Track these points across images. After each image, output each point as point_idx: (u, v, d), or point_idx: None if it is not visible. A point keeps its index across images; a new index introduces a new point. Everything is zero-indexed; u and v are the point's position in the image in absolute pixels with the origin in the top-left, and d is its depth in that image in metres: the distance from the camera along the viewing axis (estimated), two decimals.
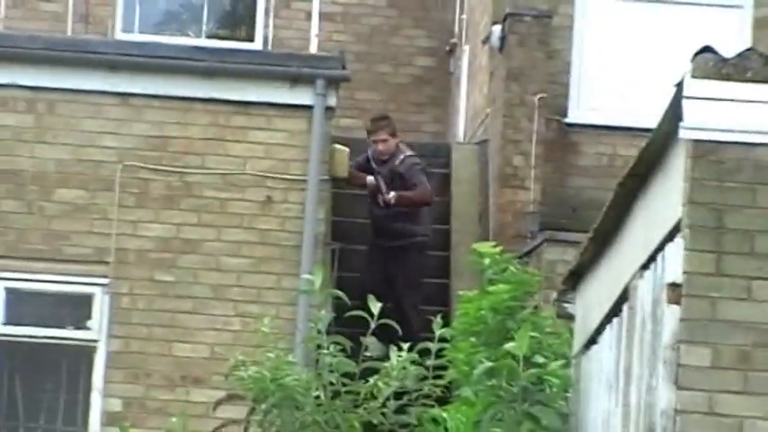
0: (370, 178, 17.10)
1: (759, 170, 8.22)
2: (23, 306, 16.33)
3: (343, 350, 12.14)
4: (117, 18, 22.11)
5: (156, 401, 15.94)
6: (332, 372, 12.08)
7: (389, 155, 17.06)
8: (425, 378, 12.37)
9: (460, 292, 13.76)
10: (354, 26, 22.53)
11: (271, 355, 12.45)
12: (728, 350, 8.31)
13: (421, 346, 12.43)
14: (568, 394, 12.09)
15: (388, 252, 16.93)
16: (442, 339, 12.68)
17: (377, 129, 17.19)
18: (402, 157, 17.11)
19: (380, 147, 17.22)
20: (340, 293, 13.14)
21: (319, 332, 12.62)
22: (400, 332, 12.80)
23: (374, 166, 17.31)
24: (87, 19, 21.79)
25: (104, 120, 16.52)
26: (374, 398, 12.05)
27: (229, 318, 16.17)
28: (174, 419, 14.01)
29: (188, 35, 22.11)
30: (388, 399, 12.11)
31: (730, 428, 8.32)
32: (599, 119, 17.27)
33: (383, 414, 12.08)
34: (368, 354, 12.34)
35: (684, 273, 8.17)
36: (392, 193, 16.75)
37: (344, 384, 12.12)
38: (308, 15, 21.26)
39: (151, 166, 16.23)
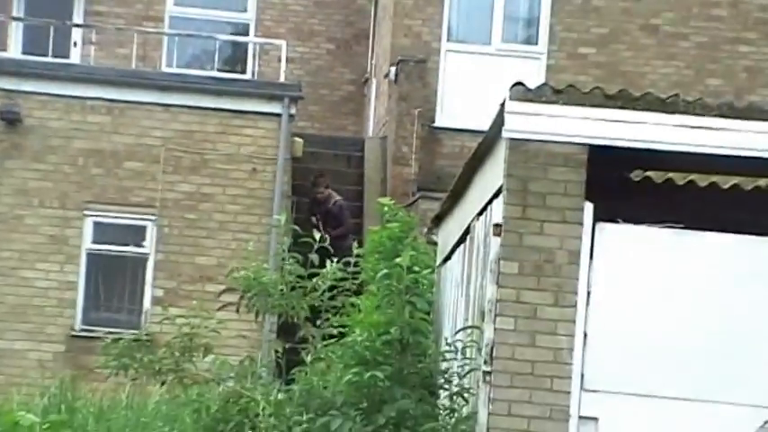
0: (312, 219, 18.54)
1: (549, 156, 10.29)
2: (104, 232, 19.26)
3: (298, 261, 13.46)
4: (163, 58, 24.85)
5: (184, 291, 18.79)
6: (291, 274, 13.41)
7: (325, 200, 19.45)
8: (346, 279, 13.58)
9: (370, 228, 16.52)
10: (307, 66, 24.86)
11: (253, 264, 14.02)
12: (528, 264, 10.36)
13: (345, 259, 13.92)
14: (433, 290, 14.19)
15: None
16: (358, 256, 14.65)
17: (318, 184, 19.33)
18: (333, 200, 19.57)
19: (319, 196, 19.76)
20: (296, 227, 15.11)
21: (283, 251, 14.23)
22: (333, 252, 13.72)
23: (315, 207, 19.42)
24: (144, 58, 24.07)
25: (154, 120, 19.77)
26: (315, 290, 13.30)
27: (229, 241, 18.94)
28: (194, 302, 15.42)
29: (206, 68, 24.66)
30: (324, 291, 13.32)
31: (529, 311, 10.28)
32: (454, 124, 19.41)
33: (321, 300, 13.31)
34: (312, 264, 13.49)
35: (503, 217, 10.31)
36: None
37: (298, 282, 13.38)
38: (279, 58, 22.67)
39: (182, 149, 19.33)
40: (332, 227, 17.96)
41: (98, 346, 16.18)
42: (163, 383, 13.11)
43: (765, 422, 4.25)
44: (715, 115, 10.63)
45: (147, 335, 13.77)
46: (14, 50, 24.32)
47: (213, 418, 11.64)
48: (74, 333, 18.80)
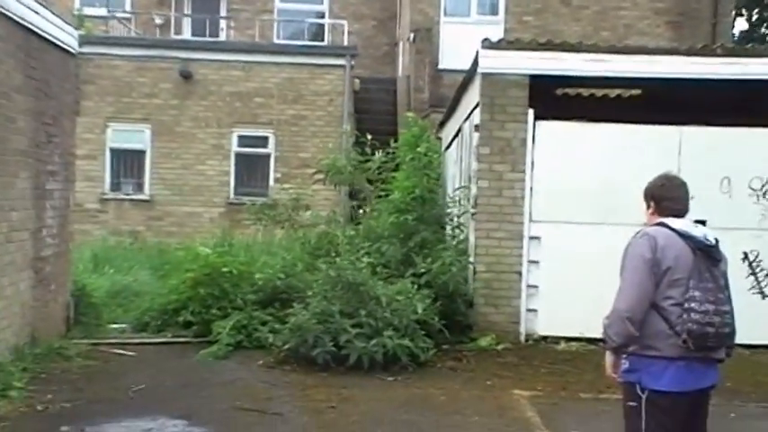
0: None
1: (506, 82, 10.42)
2: (244, 141, 18.43)
3: (358, 152, 13.47)
4: (274, 34, 23.63)
5: (292, 174, 17.96)
6: (354, 160, 13.38)
7: None
8: (387, 162, 13.07)
9: (401, 131, 15.23)
10: (360, 35, 23.00)
11: (332, 156, 14.10)
12: (496, 147, 10.45)
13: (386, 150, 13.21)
14: (440, 166, 13.76)
15: None
16: (395, 147, 13.39)
17: None
18: None
19: None
20: (357, 132, 14.85)
21: (349, 147, 14.96)
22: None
23: None
24: (263, 35, 23.05)
25: (270, 72, 18.58)
26: (369, 170, 13.12)
27: (318, 142, 18.04)
28: (298, 180, 17.09)
29: (300, 39, 23.37)
30: (374, 170, 13.08)
31: (497, 176, 10.42)
32: (450, 66, 17.72)
33: (373, 175, 13.06)
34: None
35: (480, 120, 10.50)
36: None
37: (359, 164, 13.24)
38: (343, 32, 22.30)
39: (287, 89, 18.41)
40: None
41: (244, 208, 16.33)
42: (282, 228, 13.05)
43: None
44: (604, 52, 10.76)
45: (271, 200, 13.70)
46: (186, 33, 23.92)
47: (312, 247, 11.62)
48: (229, 201, 18.37)
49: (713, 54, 10.69)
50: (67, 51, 9.93)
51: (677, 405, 4.36)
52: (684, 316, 4.27)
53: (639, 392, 4.38)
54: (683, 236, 4.40)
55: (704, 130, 10.23)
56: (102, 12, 22.12)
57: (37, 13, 8.72)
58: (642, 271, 4.33)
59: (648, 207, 4.65)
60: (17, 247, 8.45)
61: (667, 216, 4.52)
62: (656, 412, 4.35)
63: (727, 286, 4.46)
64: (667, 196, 4.57)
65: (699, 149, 10.12)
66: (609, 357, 4.51)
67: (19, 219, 8.46)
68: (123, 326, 11.03)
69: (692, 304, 4.27)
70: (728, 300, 4.42)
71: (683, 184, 4.66)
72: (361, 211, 12.96)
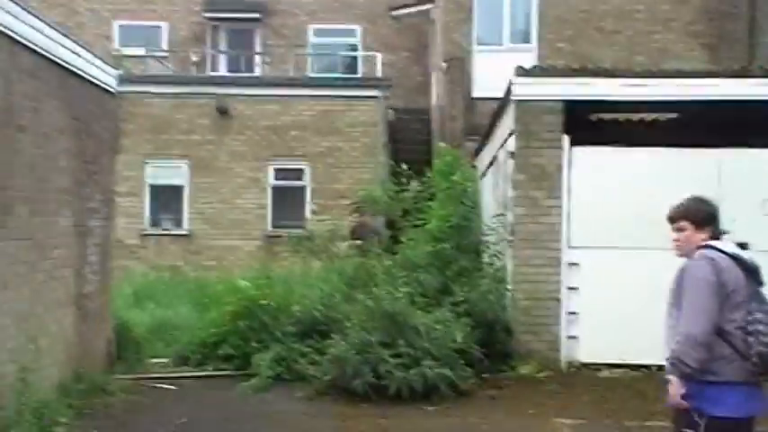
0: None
1: (540, 109, 10.38)
2: (280, 174, 18.52)
3: (394, 182, 13.26)
4: (308, 68, 23.90)
5: (328, 205, 17.73)
6: (390, 190, 13.16)
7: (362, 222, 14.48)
8: (423, 191, 12.97)
9: (435, 160, 15.08)
10: (393, 67, 23.16)
11: (368, 186, 14.72)
12: (531, 174, 10.39)
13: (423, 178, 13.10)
14: (476, 195, 13.74)
15: None
16: (429, 176, 13.32)
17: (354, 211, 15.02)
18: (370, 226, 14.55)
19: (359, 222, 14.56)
20: (392, 162, 15.05)
21: (384, 177, 15.44)
22: None
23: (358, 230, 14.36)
24: (298, 69, 23.30)
25: (305, 105, 18.81)
26: (405, 200, 12.74)
27: (353, 173, 18.28)
28: (334, 211, 16.85)
29: (334, 72, 23.82)
30: (410, 199, 12.79)
31: (533, 203, 10.30)
32: (483, 95, 17.39)
33: (409, 205, 12.77)
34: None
35: (515, 147, 10.49)
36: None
37: (395, 194, 12.85)
38: (376, 64, 22.52)
39: (323, 121, 18.50)
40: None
41: (281, 241, 16.54)
42: (319, 259, 12.98)
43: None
44: (639, 77, 10.72)
45: (308, 232, 13.63)
46: (222, 69, 24.39)
47: (350, 278, 11.47)
48: (267, 233, 18.54)
49: (751, 75, 10.62)
50: (107, 91, 10.09)
51: (738, 430, 4.33)
52: (751, 339, 4.26)
53: (698, 419, 4.33)
54: (735, 258, 4.40)
55: (743, 152, 10.14)
56: (140, 51, 22.47)
57: (78, 55, 8.90)
58: (708, 295, 4.29)
59: (698, 229, 4.55)
60: (60, 284, 8.55)
61: (713, 238, 4.51)
62: None
63: None
64: (708, 218, 4.55)
65: (739, 172, 10.02)
66: (676, 384, 4.39)
67: (61, 256, 8.56)
68: (164, 360, 11.10)
69: (759, 327, 4.25)
70: None
71: (718, 207, 4.67)
72: (398, 240, 12.86)
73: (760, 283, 4.43)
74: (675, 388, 4.39)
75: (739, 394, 4.29)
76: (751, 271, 4.40)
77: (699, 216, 4.57)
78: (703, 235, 4.54)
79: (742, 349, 4.27)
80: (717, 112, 10.62)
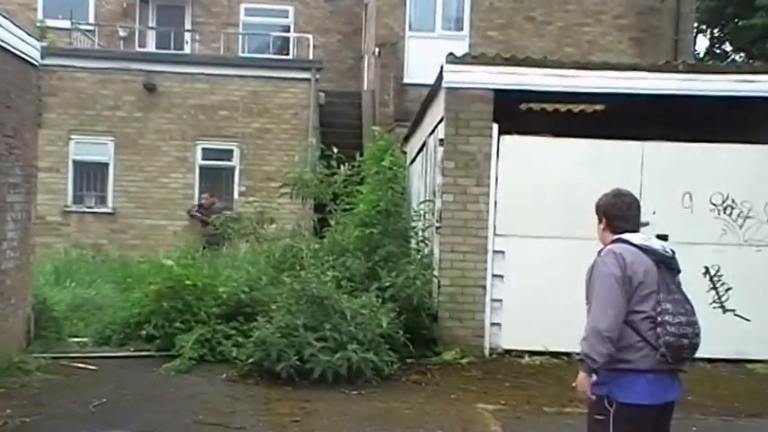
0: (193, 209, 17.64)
1: (470, 97, 10.39)
2: (208, 154, 18.32)
3: (324, 166, 12.92)
4: (239, 47, 23.88)
5: (257, 187, 17.62)
6: (320, 173, 12.86)
7: (210, 204, 17.26)
8: (353, 175, 12.67)
9: (367, 144, 15.11)
10: (325, 49, 23.23)
11: (297, 169, 13.32)
12: (460, 162, 10.31)
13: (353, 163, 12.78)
14: (405, 180, 13.69)
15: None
16: (361, 160, 13.18)
17: (205, 191, 17.45)
18: (216, 206, 17.04)
19: (204, 202, 17.63)
20: (322, 146, 14.52)
21: (314, 160, 14.68)
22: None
23: (201, 210, 17.21)
24: (228, 48, 23.29)
25: (235, 85, 18.55)
26: (335, 183, 12.48)
27: (283, 156, 18.03)
28: (263, 193, 16.36)
29: (265, 53, 23.22)
30: (340, 183, 12.41)
31: (462, 190, 10.38)
32: (414, 81, 17.92)
33: (338, 188, 12.46)
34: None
35: (445, 134, 10.46)
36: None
37: (325, 178, 12.61)
38: (308, 45, 22.27)
39: (252, 102, 18.24)
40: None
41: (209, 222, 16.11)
42: (246, 241, 12.98)
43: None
44: (568, 68, 10.76)
45: (236, 213, 13.63)
46: (151, 46, 23.85)
47: (277, 261, 11.36)
48: (192, 213, 18.04)
49: (675, 70, 10.77)
50: (30, 63, 9.82)
51: (645, 417, 4.40)
52: (659, 329, 4.33)
53: (607, 405, 4.39)
54: (645, 250, 4.46)
55: (666, 146, 10.29)
56: (66, 24, 21.92)
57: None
58: (615, 289, 4.35)
59: (600, 222, 4.69)
60: None
61: (619, 233, 4.57)
62: (623, 425, 4.37)
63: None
64: (619, 215, 4.61)
65: (661, 164, 10.19)
66: (584, 377, 4.47)
67: None
68: (85, 340, 10.88)
69: (666, 317, 4.33)
70: (694, 310, 4.48)
71: (635, 201, 4.70)
72: (326, 224, 12.75)
73: (675, 271, 4.51)
74: (583, 380, 4.47)
75: (648, 382, 4.36)
76: (664, 261, 4.46)
77: (603, 210, 4.67)
78: (604, 226, 4.65)
79: (650, 339, 4.35)
80: (642, 104, 10.79)
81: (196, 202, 18.26)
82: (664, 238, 4.70)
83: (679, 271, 4.54)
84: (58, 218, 18.25)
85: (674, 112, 10.75)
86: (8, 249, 9.33)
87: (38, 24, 18.97)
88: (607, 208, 4.66)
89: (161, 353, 9.97)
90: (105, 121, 18.52)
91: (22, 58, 9.54)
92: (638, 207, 4.69)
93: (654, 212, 9.39)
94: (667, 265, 4.48)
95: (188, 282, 10.49)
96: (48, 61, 10.96)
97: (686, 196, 10.28)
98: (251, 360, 8.98)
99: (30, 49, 9.73)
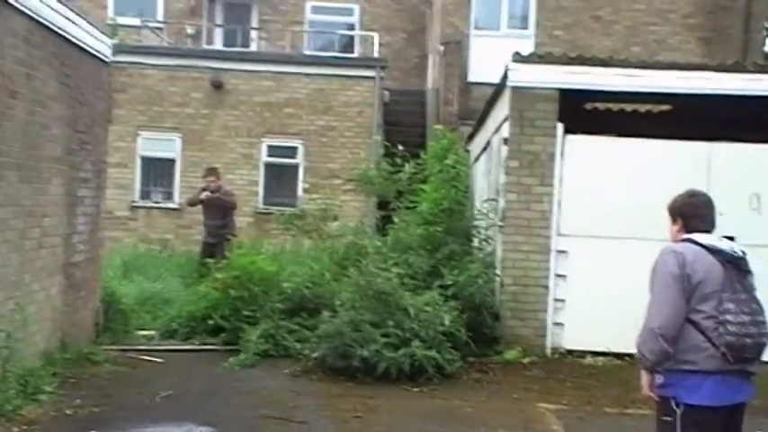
0: (205, 194, 15.00)
1: (535, 96, 10.35)
2: (273, 151, 18.45)
3: (388, 163, 13.06)
4: (304, 46, 23.66)
5: (321, 184, 17.75)
6: (384, 171, 13.09)
7: (217, 188, 14.91)
8: (417, 173, 12.95)
9: (430, 143, 15.32)
10: (391, 47, 23.14)
11: (362, 166, 14.90)
12: (524, 161, 10.27)
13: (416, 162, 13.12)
14: (469, 179, 13.73)
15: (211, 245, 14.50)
16: (423, 159, 13.54)
17: (209, 174, 15.23)
18: (223, 189, 15.18)
19: (211, 185, 14.97)
20: (387, 143, 14.61)
21: (379, 157, 14.94)
22: None
23: (209, 193, 14.83)
24: (294, 46, 23.21)
25: (301, 83, 18.63)
26: (399, 180, 12.79)
27: (347, 153, 18.33)
28: (327, 190, 16.34)
29: (331, 51, 23.12)
30: (404, 180, 12.77)
31: (525, 189, 10.33)
32: (479, 79, 17.76)
33: (403, 186, 12.80)
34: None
35: (509, 133, 10.43)
36: (207, 194, 14.85)
37: (390, 172, 12.96)
38: (373, 44, 22.08)
39: (318, 100, 18.38)
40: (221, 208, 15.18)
41: (272, 218, 16.58)
42: (310, 238, 13.03)
43: None
44: (634, 67, 10.64)
45: (300, 210, 13.48)
46: (218, 44, 24.03)
47: (340, 258, 11.46)
48: (258, 210, 18.35)
49: (744, 70, 10.61)
50: (101, 60, 10.02)
51: (713, 419, 4.36)
52: (720, 329, 4.28)
53: (675, 407, 4.36)
54: (711, 250, 4.42)
55: (734, 147, 10.14)
56: (136, 21, 22.22)
57: (73, 22, 8.82)
58: (672, 287, 4.32)
59: (675, 223, 4.66)
60: (49, 252, 8.52)
61: (694, 233, 4.54)
62: (691, 427, 4.34)
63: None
64: (695, 214, 4.59)
65: (728, 165, 10.04)
66: (644, 375, 4.48)
67: (51, 224, 8.52)
68: (151, 333, 11.09)
69: (728, 316, 4.27)
70: (763, 310, 4.41)
71: (710, 202, 4.68)
72: (389, 221, 12.79)
73: (744, 272, 4.46)
74: (644, 379, 4.48)
75: (715, 383, 4.32)
76: (731, 261, 4.42)
77: (679, 211, 4.65)
78: (679, 227, 4.62)
79: (714, 339, 4.30)
80: (710, 105, 10.61)
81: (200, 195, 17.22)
82: (730, 239, 4.59)
83: (749, 272, 4.48)
84: (127, 213, 18.51)
85: (743, 113, 10.52)
86: (79, 243, 9.52)
87: (109, 22, 19.32)
88: (683, 208, 4.64)
89: (226, 347, 10.11)
90: (173, 117, 18.74)
91: (94, 56, 9.74)
92: (713, 208, 4.66)
93: (721, 214, 9.05)
94: (736, 265, 4.43)
95: (254, 269, 10.61)
96: (118, 58, 11.08)
97: (754, 198, 10.11)
98: (315, 355, 9.04)
99: (101, 46, 9.92)
